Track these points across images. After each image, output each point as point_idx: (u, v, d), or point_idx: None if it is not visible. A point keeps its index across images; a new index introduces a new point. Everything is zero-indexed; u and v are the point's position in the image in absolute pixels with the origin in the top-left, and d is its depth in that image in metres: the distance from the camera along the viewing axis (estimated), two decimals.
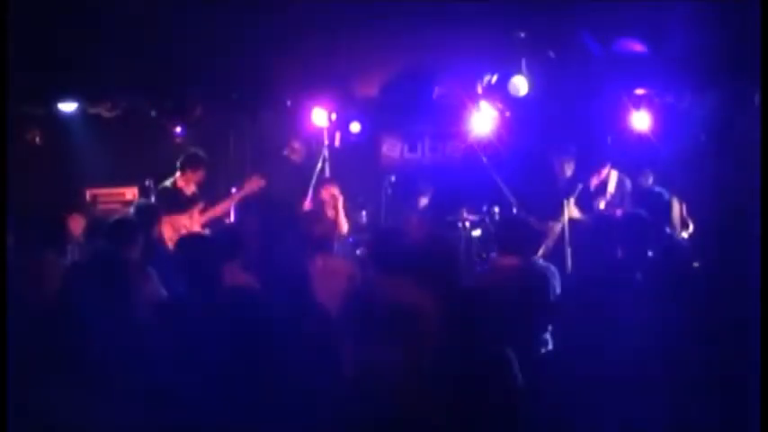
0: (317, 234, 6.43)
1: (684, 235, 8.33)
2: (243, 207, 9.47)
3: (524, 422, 3.98)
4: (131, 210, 7.45)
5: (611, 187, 9.01)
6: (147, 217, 6.96)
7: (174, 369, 4.12)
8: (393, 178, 9.85)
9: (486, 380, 4.04)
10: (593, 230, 7.22)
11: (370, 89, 9.97)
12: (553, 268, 5.70)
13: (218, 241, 6.00)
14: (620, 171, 9.27)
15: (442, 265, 5.25)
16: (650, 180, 9.10)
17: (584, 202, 8.85)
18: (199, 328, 4.29)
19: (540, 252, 8.36)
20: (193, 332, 4.26)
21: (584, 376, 4.17)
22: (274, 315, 4.99)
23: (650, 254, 5.53)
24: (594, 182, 9.01)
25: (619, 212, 8.63)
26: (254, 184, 9.43)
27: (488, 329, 4.22)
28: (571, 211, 8.75)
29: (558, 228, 8.86)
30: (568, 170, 9.09)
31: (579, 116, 10.29)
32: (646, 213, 6.21)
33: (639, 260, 5.40)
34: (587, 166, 9.22)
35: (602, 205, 8.83)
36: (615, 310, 4.52)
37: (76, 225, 8.09)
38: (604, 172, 9.12)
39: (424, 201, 10.07)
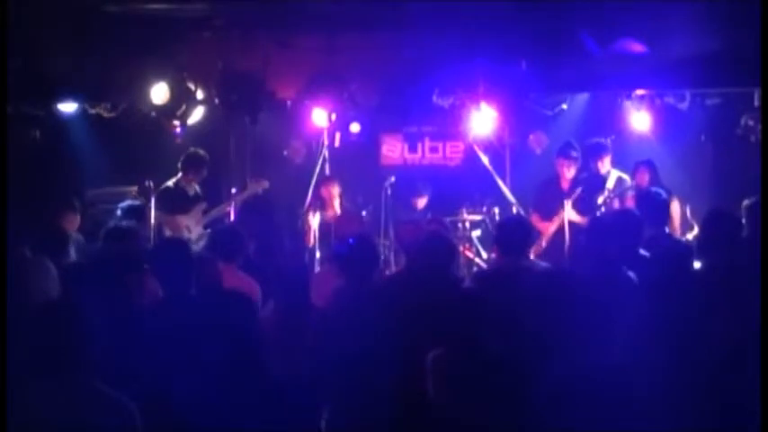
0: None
1: (689, 237, 8.33)
2: (244, 207, 9.48)
3: (527, 421, 3.98)
4: (118, 212, 7.45)
5: (610, 184, 9.03)
6: (135, 218, 6.98)
7: (171, 369, 4.12)
8: (393, 179, 9.84)
9: (489, 379, 4.04)
10: (587, 229, 7.22)
11: (370, 89, 9.97)
12: (555, 269, 5.70)
13: (219, 242, 6.01)
14: (621, 170, 9.29)
15: (437, 264, 5.24)
16: (646, 180, 9.09)
17: (583, 205, 8.84)
18: (198, 329, 4.29)
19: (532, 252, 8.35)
20: (192, 333, 4.26)
21: (585, 376, 4.17)
22: (274, 315, 4.99)
23: (648, 254, 5.52)
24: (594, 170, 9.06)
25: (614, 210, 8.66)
26: (258, 186, 9.45)
27: (490, 330, 4.22)
28: (569, 213, 8.77)
29: (552, 228, 8.88)
30: (569, 172, 9.09)
31: (579, 117, 10.32)
32: (637, 211, 6.21)
33: (631, 257, 5.39)
34: (587, 167, 9.24)
35: (600, 200, 8.85)
36: (613, 309, 4.52)
37: (75, 225, 8.10)
38: (604, 166, 9.14)
39: (422, 201, 10.07)
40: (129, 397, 3.57)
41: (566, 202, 8.80)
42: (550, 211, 8.98)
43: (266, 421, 4.02)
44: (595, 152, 9.22)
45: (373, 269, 5.10)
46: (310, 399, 4.22)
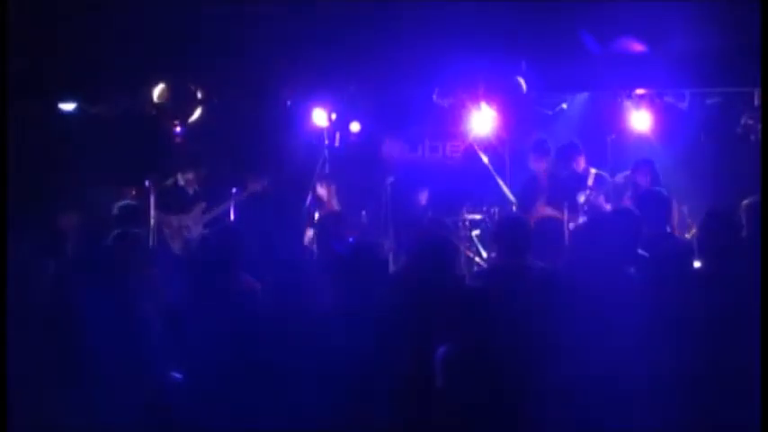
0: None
1: (687, 236, 8.33)
2: (244, 206, 9.48)
3: (528, 421, 3.99)
4: (114, 211, 7.44)
5: (590, 182, 9.05)
6: (131, 217, 6.98)
7: (175, 368, 4.13)
8: (392, 178, 9.84)
9: (493, 376, 4.05)
10: (586, 228, 7.20)
11: (370, 89, 9.98)
12: (556, 269, 5.70)
13: (219, 241, 6.00)
14: (599, 168, 9.31)
15: (439, 264, 5.24)
16: (645, 179, 9.10)
17: (563, 202, 8.78)
18: (200, 328, 4.30)
19: None
20: (196, 332, 4.27)
21: (584, 375, 4.18)
22: (275, 315, 4.99)
23: (648, 253, 5.52)
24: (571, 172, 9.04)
25: (607, 208, 8.68)
26: (258, 185, 9.44)
27: (492, 328, 4.23)
28: (543, 208, 8.76)
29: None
30: (538, 166, 9.04)
31: (579, 117, 10.34)
32: (638, 210, 6.21)
33: (631, 257, 5.39)
34: (565, 167, 9.20)
35: (582, 199, 8.85)
36: (613, 308, 4.52)
37: (75, 224, 8.10)
38: (580, 165, 9.11)
39: (424, 196, 10.09)
40: (135, 395, 3.58)
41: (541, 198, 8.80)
42: (531, 207, 8.97)
43: (270, 419, 4.03)
44: (568, 153, 9.19)
45: (375, 271, 5.11)
46: (314, 397, 4.23)
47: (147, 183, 8.82)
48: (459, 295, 4.57)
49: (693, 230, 8.32)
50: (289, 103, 10.14)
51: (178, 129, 9.96)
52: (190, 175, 9.20)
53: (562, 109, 10.21)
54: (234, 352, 4.28)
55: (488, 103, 9.61)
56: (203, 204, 9.22)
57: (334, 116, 10.01)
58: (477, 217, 9.74)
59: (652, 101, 9.61)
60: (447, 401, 4.14)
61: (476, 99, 9.67)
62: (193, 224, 9.03)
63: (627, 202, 8.68)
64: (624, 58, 8.94)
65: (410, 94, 9.99)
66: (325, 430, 4.28)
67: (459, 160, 11.29)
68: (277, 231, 9.59)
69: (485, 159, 9.78)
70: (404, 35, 8.98)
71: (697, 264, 5.40)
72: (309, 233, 9.52)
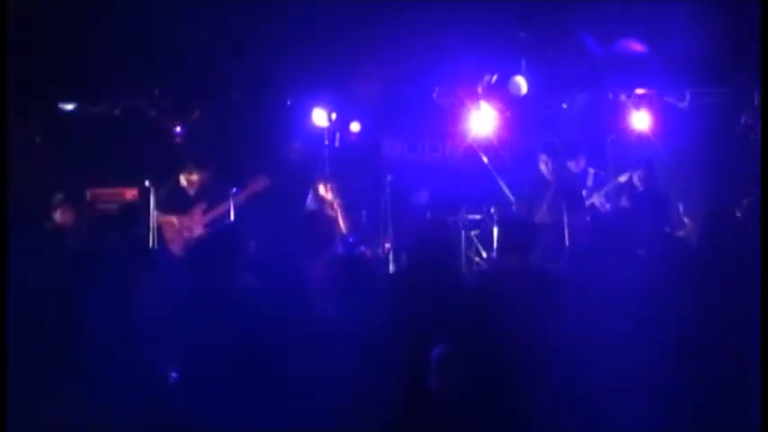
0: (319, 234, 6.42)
1: (681, 234, 8.35)
2: (244, 207, 9.48)
3: (527, 422, 4.00)
4: (114, 212, 7.46)
5: (589, 182, 9.05)
6: (131, 217, 7.01)
7: (174, 369, 4.13)
8: (392, 178, 9.85)
9: (489, 380, 4.05)
10: (585, 228, 7.22)
11: (370, 89, 9.99)
12: (556, 269, 5.70)
13: (219, 241, 6.01)
14: (599, 168, 9.31)
15: (439, 264, 5.25)
16: (645, 179, 9.08)
17: (558, 200, 8.73)
18: (200, 329, 4.30)
19: None
20: (195, 332, 4.27)
21: (584, 376, 4.19)
22: (274, 315, 5.00)
23: (646, 253, 5.53)
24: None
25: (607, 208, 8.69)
26: (258, 185, 9.44)
27: (490, 330, 4.23)
28: (543, 208, 8.77)
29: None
30: (545, 168, 8.98)
31: (579, 117, 10.34)
32: (636, 210, 6.23)
33: (629, 256, 5.39)
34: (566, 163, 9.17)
35: (584, 195, 8.86)
36: (613, 308, 4.53)
37: (75, 224, 8.11)
38: (580, 164, 9.09)
39: (425, 194, 10.11)
40: (135, 395, 3.58)
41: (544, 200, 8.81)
42: (532, 207, 8.94)
43: (269, 419, 4.03)
44: (570, 150, 9.15)
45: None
46: (312, 397, 4.23)
47: (147, 183, 8.82)
48: (458, 295, 4.57)
49: (690, 229, 8.34)
50: (289, 102, 10.14)
51: (178, 129, 9.96)
52: (191, 176, 9.20)
53: (562, 109, 10.21)
54: (234, 352, 4.29)
55: (488, 103, 9.62)
56: (203, 204, 9.22)
57: (334, 116, 10.01)
58: (477, 217, 9.74)
59: (652, 101, 9.63)
60: (446, 402, 4.15)
61: (476, 99, 9.68)
62: (193, 224, 9.03)
63: (626, 203, 8.69)
64: (624, 58, 8.95)
65: (410, 93, 9.99)
66: (324, 430, 4.28)
67: (459, 160, 11.30)
68: (277, 231, 9.61)
69: (485, 159, 9.79)
70: (404, 34, 8.98)
71: (696, 264, 5.41)
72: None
